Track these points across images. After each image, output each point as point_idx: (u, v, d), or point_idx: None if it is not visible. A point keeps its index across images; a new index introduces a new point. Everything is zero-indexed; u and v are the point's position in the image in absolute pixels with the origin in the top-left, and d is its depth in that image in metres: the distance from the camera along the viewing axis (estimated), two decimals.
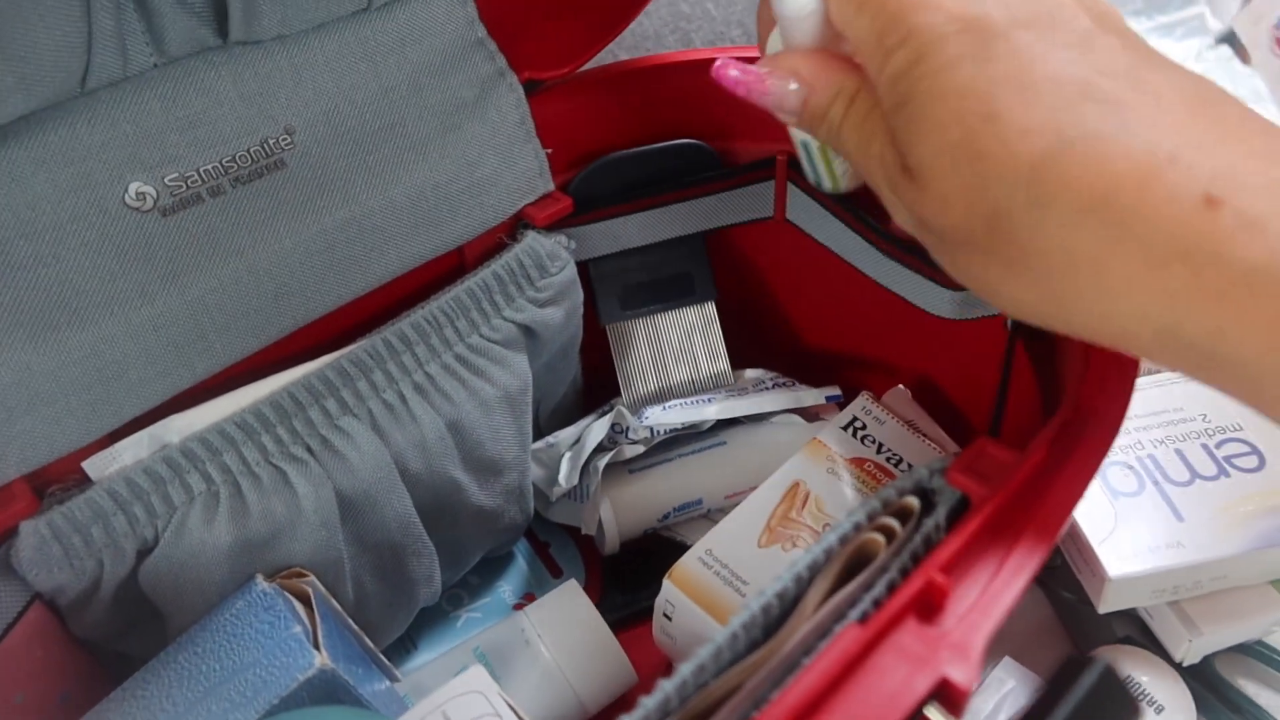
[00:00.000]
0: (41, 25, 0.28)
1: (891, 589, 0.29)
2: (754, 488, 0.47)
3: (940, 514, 0.30)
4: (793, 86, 0.30)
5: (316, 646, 0.32)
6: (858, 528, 0.30)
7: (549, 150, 0.42)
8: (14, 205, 0.31)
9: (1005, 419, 0.41)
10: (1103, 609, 0.41)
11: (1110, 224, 0.23)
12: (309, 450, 0.36)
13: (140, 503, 0.33)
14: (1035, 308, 0.26)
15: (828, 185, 0.35)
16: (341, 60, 0.37)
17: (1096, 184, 0.23)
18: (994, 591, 0.27)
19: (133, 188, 0.33)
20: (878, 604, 0.28)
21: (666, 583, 0.39)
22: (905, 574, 0.29)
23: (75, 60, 0.30)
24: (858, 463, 0.43)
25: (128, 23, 0.31)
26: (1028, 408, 0.38)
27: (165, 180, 0.33)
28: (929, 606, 0.26)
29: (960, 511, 0.30)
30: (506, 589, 0.47)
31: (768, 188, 0.46)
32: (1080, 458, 0.30)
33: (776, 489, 0.42)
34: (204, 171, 0.34)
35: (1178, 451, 0.44)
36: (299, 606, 0.34)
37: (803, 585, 0.29)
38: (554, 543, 0.49)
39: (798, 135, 0.35)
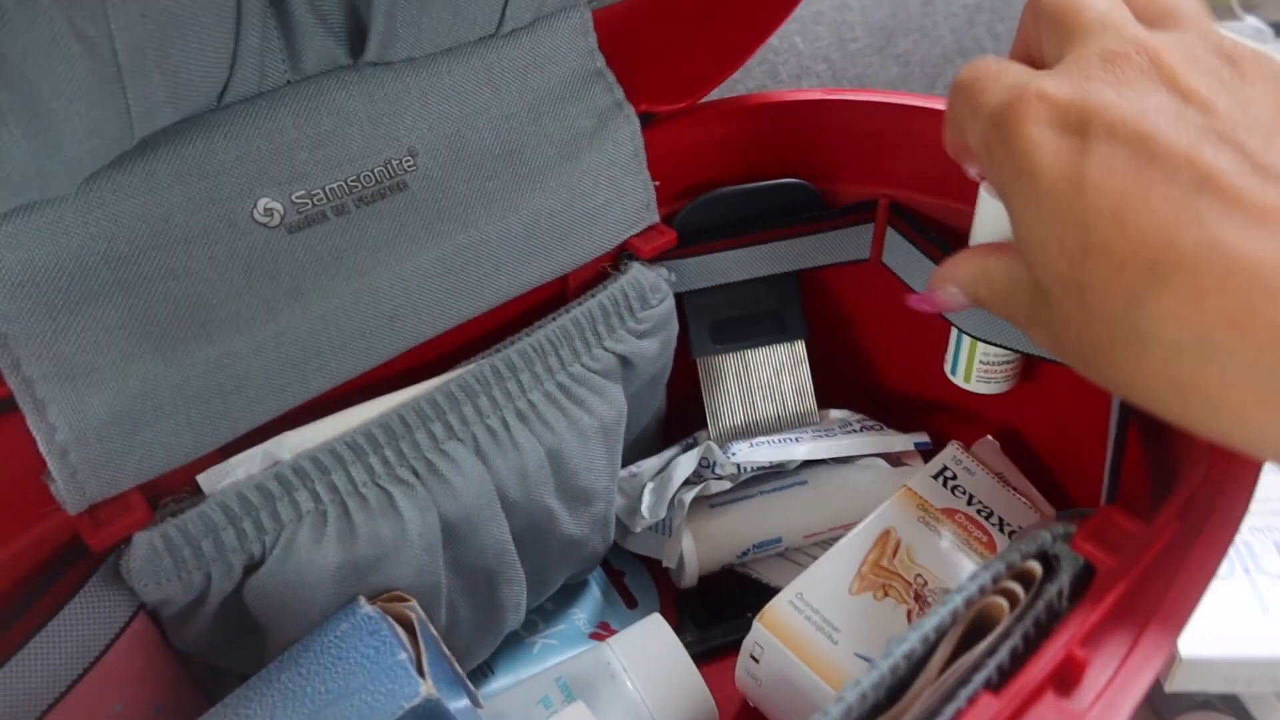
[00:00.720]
0: (196, 40, 0.28)
1: (1015, 656, 0.28)
2: (833, 529, 0.47)
3: (1064, 580, 0.30)
4: (952, 290, 0.32)
5: (420, 674, 0.32)
6: (982, 590, 0.30)
7: (657, 183, 0.42)
8: (149, 217, 0.31)
9: (1121, 485, 0.40)
10: (1169, 688, 0.40)
11: (1213, 358, 0.22)
12: (415, 473, 0.36)
13: (250, 518, 0.33)
14: (1155, 412, 0.26)
15: (960, 378, 0.43)
16: (467, 85, 0.37)
17: (1195, 318, 0.22)
18: (1130, 671, 0.26)
19: (261, 203, 0.33)
20: (1003, 671, 0.28)
21: (757, 625, 0.39)
22: (1028, 640, 0.29)
23: (220, 74, 0.30)
24: (949, 513, 0.42)
25: (269, 40, 0.32)
26: (1138, 473, 0.37)
27: (293, 197, 0.34)
28: (1066, 680, 0.26)
29: (1083, 579, 0.30)
30: (581, 617, 0.46)
31: (866, 230, 0.46)
32: (1209, 536, 0.29)
33: (868, 536, 0.41)
34: (330, 190, 0.34)
35: (1276, 544, 0.43)
36: (400, 631, 0.34)
37: (929, 646, 0.29)
38: (629, 572, 0.49)
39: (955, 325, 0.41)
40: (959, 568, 0.40)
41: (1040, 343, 0.29)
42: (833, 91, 0.43)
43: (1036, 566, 0.31)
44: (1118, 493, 0.41)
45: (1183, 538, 0.29)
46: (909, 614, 0.39)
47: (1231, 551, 0.42)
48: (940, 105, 0.42)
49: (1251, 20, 0.76)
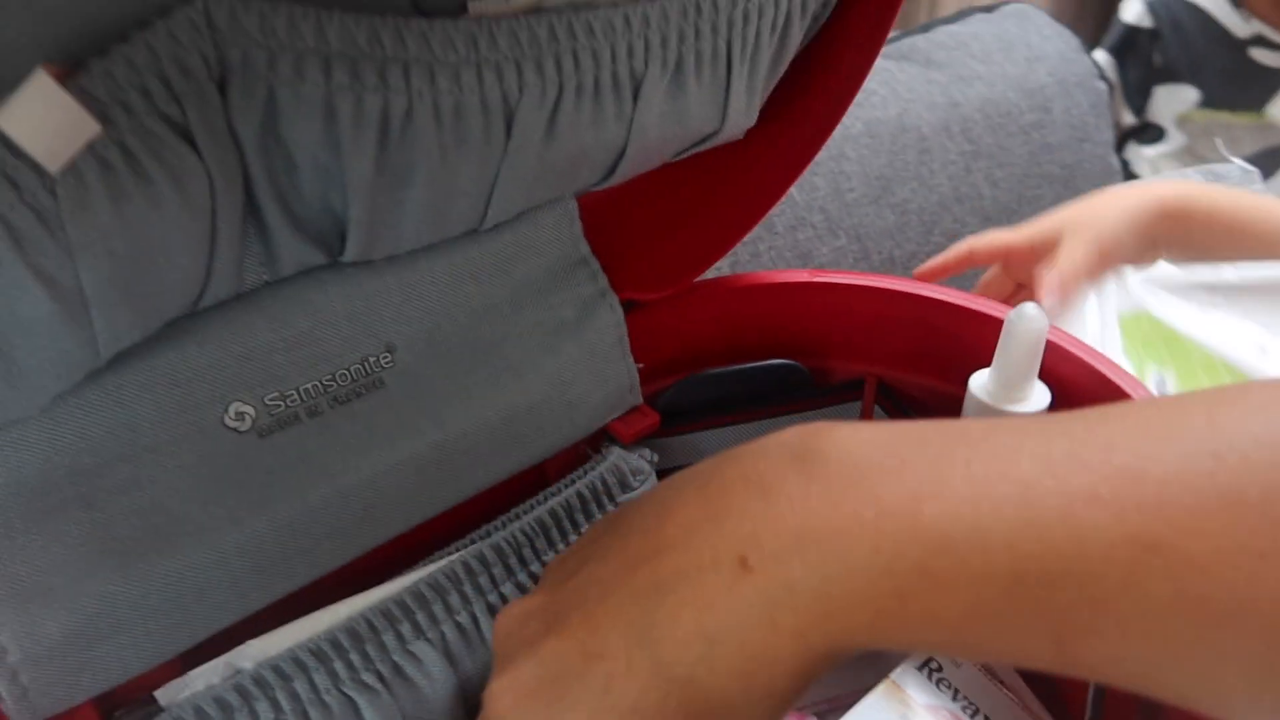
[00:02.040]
0: (169, 265, 0.28)
1: None
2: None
3: None
4: None
5: None
6: None
7: (640, 365, 0.42)
8: (116, 429, 0.31)
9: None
10: None
11: None
12: (380, 678, 0.35)
13: None
14: None
15: None
16: (448, 279, 0.37)
17: None
18: None
19: (233, 408, 0.33)
20: None
21: None
22: None
23: (195, 289, 0.30)
24: (933, 710, 0.41)
25: (247, 247, 0.32)
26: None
27: (265, 400, 0.33)
28: None
29: None
30: None
31: (853, 408, 0.46)
32: None
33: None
34: (304, 390, 0.34)
35: None
36: None
37: None
38: None
39: None
40: None
41: None
42: (818, 274, 0.43)
43: None
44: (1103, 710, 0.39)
45: None
46: None
47: None
48: (924, 291, 0.42)
49: (1238, 163, 0.76)
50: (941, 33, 0.78)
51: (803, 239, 0.61)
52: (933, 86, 0.70)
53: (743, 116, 0.38)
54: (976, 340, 0.41)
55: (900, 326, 0.43)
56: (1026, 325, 0.37)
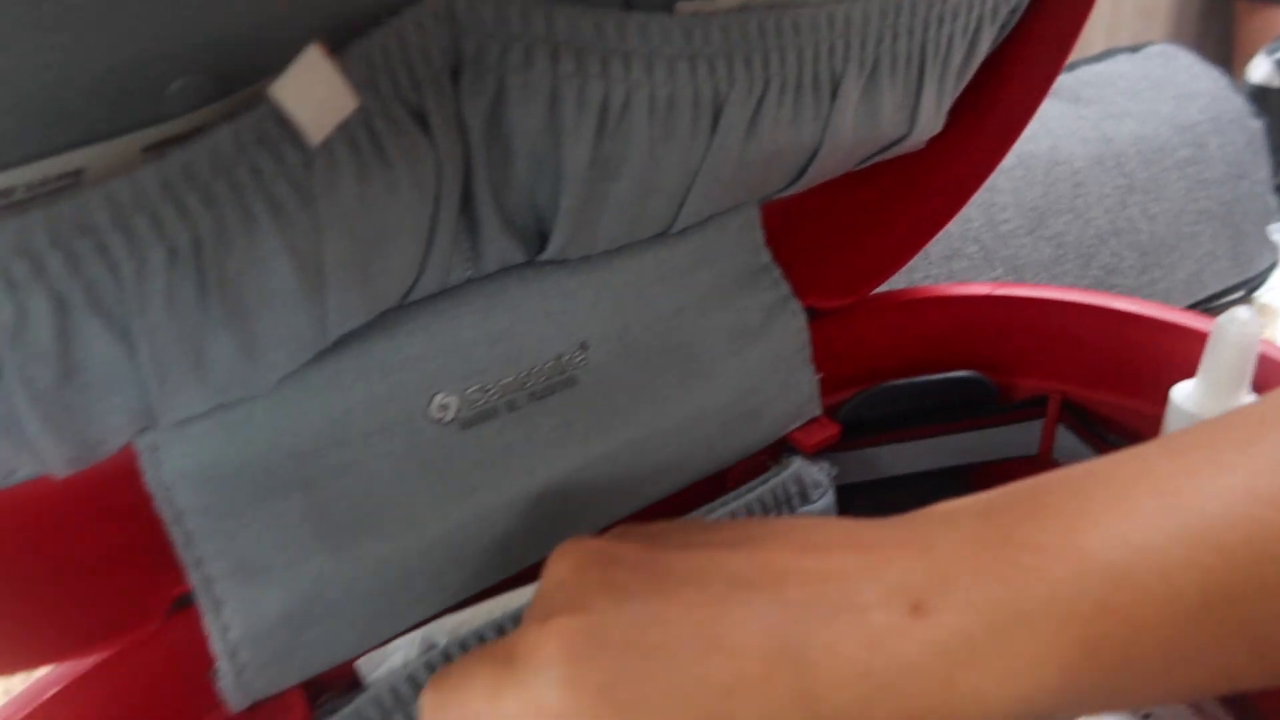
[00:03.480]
0: (396, 251, 0.29)
1: None
2: None
3: None
4: None
5: None
6: None
7: (820, 375, 0.41)
8: (332, 413, 0.31)
9: None
10: None
11: None
12: None
13: (401, 712, 0.32)
14: None
15: None
16: (639, 280, 0.37)
17: None
18: None
19: (437, 399, 0.33)
20: None
21: None
22: None
23: (411, 278, 0.31)
24: None
25: (458, 242, 0.32)
26: None
27: (467, 393, 0.34)
28: None
29: None
30: None
31: (1035, 425, 0.44)
32: None
33: None
34: (503, 385, 0.34)
35: None
36: None
37: None
38: None
39: None
40: None
41: None
42: (1000, 286, 0.42)
43: None
44: None
45: None
46: None
47: None
48: (1117, 304, 0.40)
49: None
50: (1087, 71, 0.76)
51: (958, 269, 0.60)
52: (1083, 122, 0.69)
53: (931, 122, 0.38)
54: (1173, 354, 0.39)
55: (1089, 341, 0.41)
56: (1239, 330, 0.35)
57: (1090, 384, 0.42)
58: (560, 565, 0.26)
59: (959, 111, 0.39)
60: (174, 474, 0.29)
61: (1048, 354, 0.43)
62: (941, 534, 0.24)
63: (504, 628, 0.34)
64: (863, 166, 0.40)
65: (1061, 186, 0.64)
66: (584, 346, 0.36)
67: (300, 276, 0.26)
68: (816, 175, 0.38)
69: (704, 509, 0.39)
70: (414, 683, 0.32)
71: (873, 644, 0.22)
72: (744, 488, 0.40)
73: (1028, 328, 0.42)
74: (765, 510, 0.39)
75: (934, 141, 0.40)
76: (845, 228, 0.42)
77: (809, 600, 0.23)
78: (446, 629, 0.34)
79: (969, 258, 0.60)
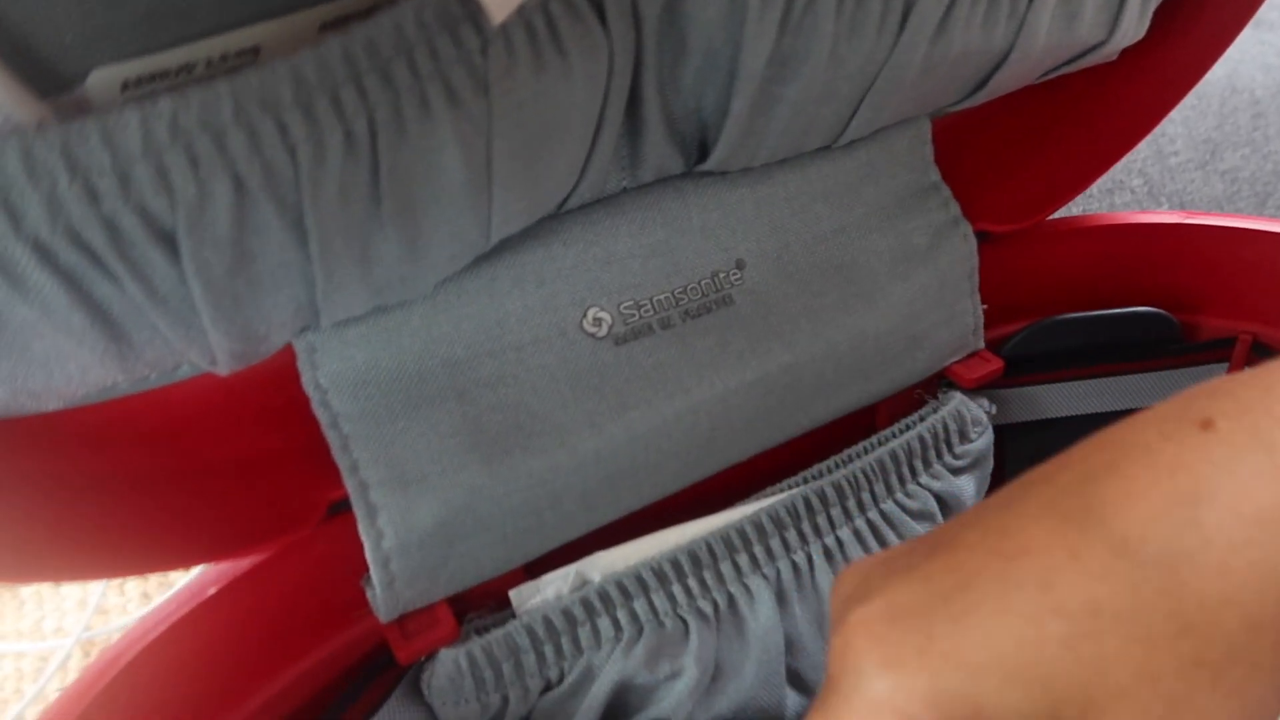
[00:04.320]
0: (561, 149, 0.28)
1: None
2: None
3: None
4: None
5: None
6: None
7: (985, 306, 0.38)
8: (486, 322, 0.30)
9: None
10: None
11: None
12: (714, 607, 0.33)
13: (552, 643, 0.32)
14: None
15: None
16: (800, 196, 0.35)
17: None
18: None
19: (591, 313, 0.32)
20: None
21: None
22: None
23: (571, 182, 0.30)
24: None
25: (618, 148, 0.31)
26: None
27: (621, 307, 0.32)
28: None
29: None
30: None
31: (1220, 369, 0.41)
32: None
33: None
34: (657, 301, 0.33)
35: None
36: None
37: None
38: None
39: None
40: None
41: None
42: (1192, 215, 0.39)
43: None
44: None
45: None
46: None
47: None
48: None
49: None
50: None
51: (1120, 204, 0.55)
52: (1266, 48, 0.63)
53: (1133, 27, 0.34)
54: None
55: None
56: None
57: None
58: (842, 581, 0.24)
59: (1160, 17, 0.36)
60: (330, 377, 0.28)
61: (1238, 291, 0.39)
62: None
63: (658, 569, 0.33)
64: (1046, 79, 0.36)
65: (1239, 117, 0.59)
66: (740, 264, 0.34)
67: (468, 171, 0.25)
68: (999, 86, 0.35)
69: (860, 445, 0.37)
70: (568, 616, 0.32)
71: (1175, 468, 0.19)
72: (900, 423, 0.38)
73: (1217, 261, 0.39)
74: (924, 448, 0.37)
75: (1128, 52, 0.36)
76: (1021, 148, 0.39)
77: (1085, 472, 0.20)
78: (600, 566, 0.33)
79: (1132, 191, 0.56)
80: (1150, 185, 0.57)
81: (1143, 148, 0.57)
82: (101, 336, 0.22)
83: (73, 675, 0.54)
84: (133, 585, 0.57)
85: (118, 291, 0.22)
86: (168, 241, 0.21)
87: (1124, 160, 0.57)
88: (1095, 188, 0.56)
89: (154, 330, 0.23)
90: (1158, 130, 0.58)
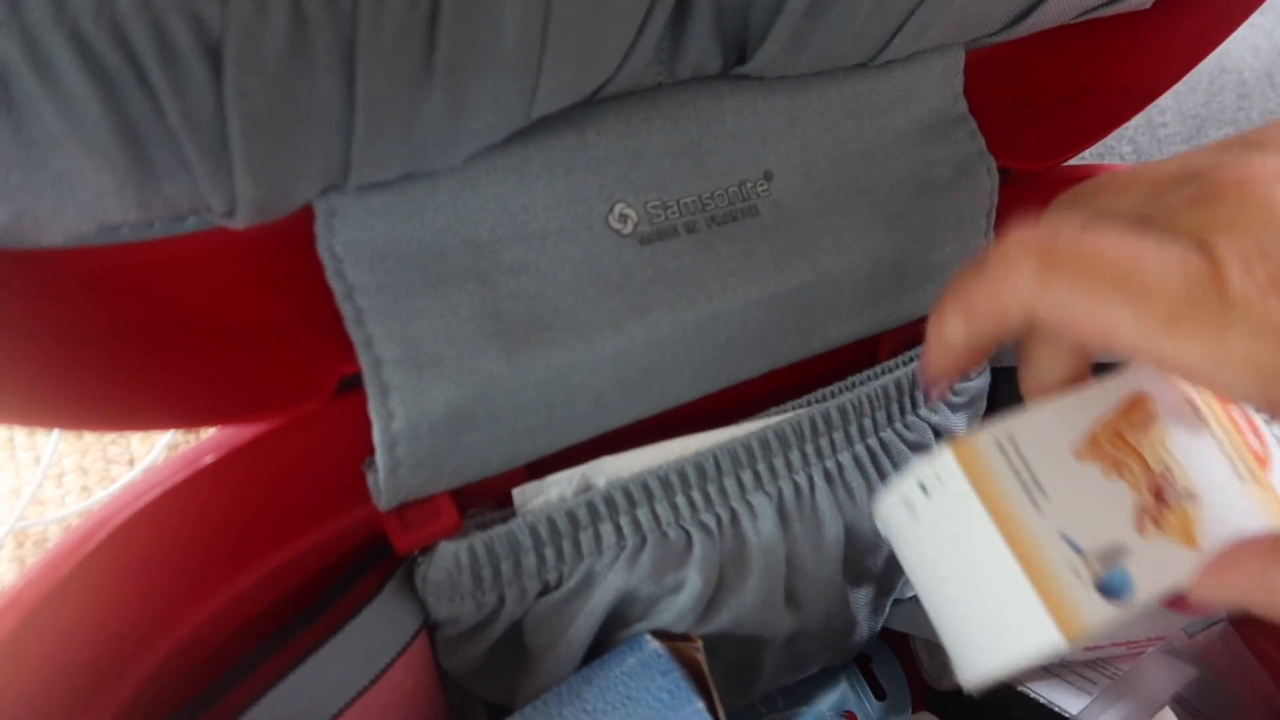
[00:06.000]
0: (612, 25, 0.26)
1: None
2: (1118, 644, 0.42)
3: None
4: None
5: None
6: None
7: None
8: (512, 206, 0.29)
9: None
10: None
11: None
12: (718, 521, 0.33)
13: (553, 545, 0.31)
14: None
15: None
16: (833, 112, 0.34)
17: None
18: None
19: (618, 208, 0.31)
20: None
21: (946, 453, 0.26)
22: None
23: (614, 65, 0.28)
24: (1225, 406, 0.29)
25: (660, 39, 0.29)
26: None
27: (648, 206, 0.31)
28: None
29: None
30: (826, 701, 0.42)
31: None
32: None
33: (1114, 392, 0.27)
34: (684, 204, 0.32)
35: None
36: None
37: None
38: (876, 658, 0.45)
39: None
40: (1218, 482, 0.27)
41: None
42: None
43: None
44: None
45: None
46: (1140, 512, 0.26)
47: None
48: None
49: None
50: None
51: None
52: (1255, 31, 0.64)
53: None
54: None
55: None
56: None
57: None
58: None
59: None
60: (346, 245, 0.27)
61: None
62: None
63: (664, 477, 0.32)
64: (1083, 18, 0.36)
65: (1225, 96, 0.60)
66: (769, 176, 0.33)
67: (524, 30, 0.23)
68: (1038, 21, 0.34)
69: (863, 374, 0.37)
70: (571, 518, 0.31)
71: None
72: (899, 358, 0.37)
73: None
74: (916, 385, 0.37)
75: (1162, 2, 0.36)
76: (1050, 88, 0.38)
77: None
78: (605, 470, 0.32)
79: (1122, 158, 0.57)
80: (1139, 154, 0.57)
81: (1136, 117, 0.57)
82: (124, 159, 0.21)
83: (4, 565, 0.51)
84: (71, 477, 0.54)
85: (152, 110, 0.20)
86: (213, 59, 0.19)
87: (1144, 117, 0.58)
88: (1088, 152, 0.57)
89: (180, 161, 0.21)
90: None
